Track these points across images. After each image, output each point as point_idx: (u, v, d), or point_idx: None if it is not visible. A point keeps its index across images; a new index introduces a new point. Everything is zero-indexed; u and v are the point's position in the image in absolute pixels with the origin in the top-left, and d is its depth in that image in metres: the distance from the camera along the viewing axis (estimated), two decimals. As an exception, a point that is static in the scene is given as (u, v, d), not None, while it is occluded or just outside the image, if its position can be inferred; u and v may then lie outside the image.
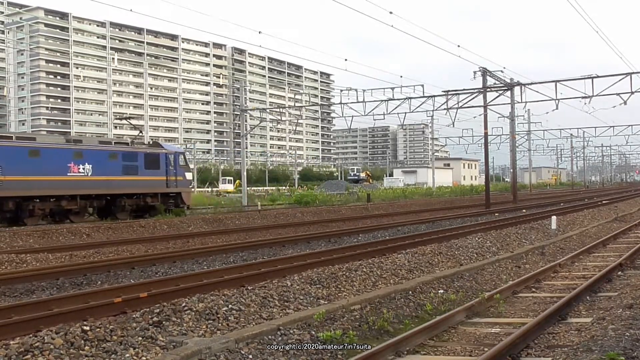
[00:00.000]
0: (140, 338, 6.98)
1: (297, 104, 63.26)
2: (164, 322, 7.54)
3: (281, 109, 65.96)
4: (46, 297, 10.61)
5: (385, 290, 10.33)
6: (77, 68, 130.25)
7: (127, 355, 6.56)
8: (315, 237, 20.61)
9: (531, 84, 38.80)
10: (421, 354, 7.28)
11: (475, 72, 37.47)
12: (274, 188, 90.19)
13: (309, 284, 10.18)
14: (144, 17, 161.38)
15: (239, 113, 48.94)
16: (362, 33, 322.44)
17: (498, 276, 12.74)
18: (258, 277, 11.42)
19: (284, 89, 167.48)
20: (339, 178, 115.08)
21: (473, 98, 39.13)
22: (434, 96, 40.91)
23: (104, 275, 13.31)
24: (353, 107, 42.11)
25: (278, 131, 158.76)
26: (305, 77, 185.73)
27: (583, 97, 36.61)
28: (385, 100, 40.83)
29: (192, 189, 33.93)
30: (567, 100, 37.77)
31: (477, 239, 16.99)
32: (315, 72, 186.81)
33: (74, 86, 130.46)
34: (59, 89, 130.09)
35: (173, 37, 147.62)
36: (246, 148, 75.85)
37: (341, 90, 41.88)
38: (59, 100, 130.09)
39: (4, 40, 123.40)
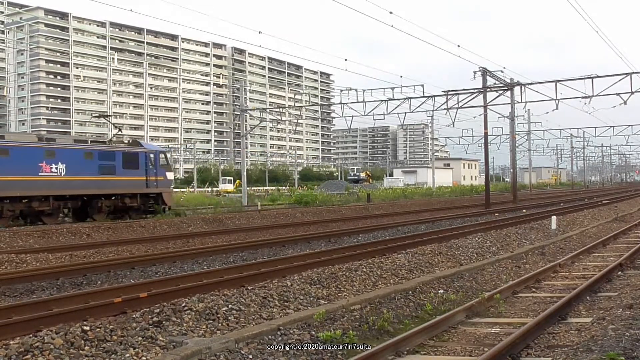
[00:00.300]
0: (140, 338, 6.98)
1: (297, 104, 63.24)
2: (164, 322, 7.54)
3: (281, 109, 66.00)
4: (46, 297, 10.61)
5: (385, 290, 10.33)
6: (77, 68, 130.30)
7: (127, 355, 6.56)
8: (315, 237, 20.60)
9: (531, 84, 38.81)
10: (421, 354, 7.28)
11: (475, 72, 37.49)
12: (274, 188, 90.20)
13: (309, 284, 10.18)
14: (144, 17, 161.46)
15: (239, 113, 48.91)
16: (362, 33, 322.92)
17: (498, 276, 12.73)
18: (258, 277, 11.42)
19: (284, 89, 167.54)
20: (339, 178, 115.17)
21: (473, 98, 39.14)
22: (434, 96, 40.92)
23: (104, 275, 13.31)
24: (353, 107, 42.16)
25: (278, 131, 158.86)
26: (305, 77, 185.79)
27: (583, 97, 36.61)
28: (385, 100, 40.84)
29: (174, 189, 32.63)
30: (567, 100, 37.80)
31: (477, 239, 16.98)
32: (315, 72, 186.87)
33: (74, 86, 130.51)
34: (59, 89, 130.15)
35: (173, 37, 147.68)
36: (246, 148, 75.81)
37: (341, 90, 41.93)
38: (59, 100, 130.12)
39: (4, 40, 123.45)
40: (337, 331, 7.61)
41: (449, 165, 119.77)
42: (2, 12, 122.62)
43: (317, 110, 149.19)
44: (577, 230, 21.70)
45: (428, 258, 13.60)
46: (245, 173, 48.06)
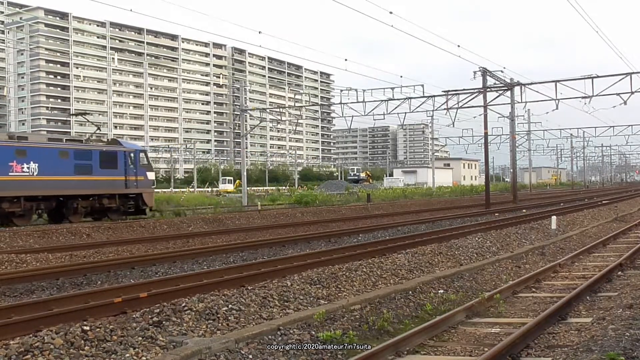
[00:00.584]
0: (140, 338, 6.98)
1: (297, 104, 63.30)
2: (164, 322, 7.54)
3: (281, 109, 66.02)
4: (46, 297, 10.61)
5: (385, 290, 10.33)
6: (77, 68, 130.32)
7: (127, 355, 6.56)
8: (315, 237, 20.59)
9: (531, 84, 38.83)
10: (421, 354, 7.28)
11: (475, 72, 37.49)
12: (274, 188, 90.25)
13: (309, 284, 10.18)
14: (144, 17, 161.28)
15: (239, 113, 48.92)
16: (362, 33, 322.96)
17: (498, 276, 12.73)
18: (258, 277, 11.41)
19: (284, 89, 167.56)
20: (339, 178, 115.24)
21: (473, 98, 39.15)
22: (434, 96, 40.94)
23: (104, 275, 13.31)
24: (353, 107, 42.18)
25: (278, 131, 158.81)
26: (305, 77, 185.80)
27: (583, 97, 36.62)
28: (385, 100, 40.85)
29: (155, 189, 31.07)
30: (567, 100, 37.82)
31: (477, 239, 16.98)
32: (315, 72, 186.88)
33: (74, 86, 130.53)
34: (59, 89, 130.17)
35: (173, 37, 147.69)
36: (246, 148, 75.84)
37: (341, 90, 41.96)
38: (59, 100, 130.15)
39: (4, 40, 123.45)
40: (337, 331, 7.62)
41: (449, 165, 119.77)
42: (2, 12, 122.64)
43: (317, 110, 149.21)
44: (577, 230, 21.70)
45: (428, 258, 13.60)
46: (245, 173, 48.07)
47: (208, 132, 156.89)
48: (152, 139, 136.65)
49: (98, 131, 31.27)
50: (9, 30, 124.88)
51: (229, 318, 8.10)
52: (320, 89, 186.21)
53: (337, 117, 53.42)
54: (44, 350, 6.35)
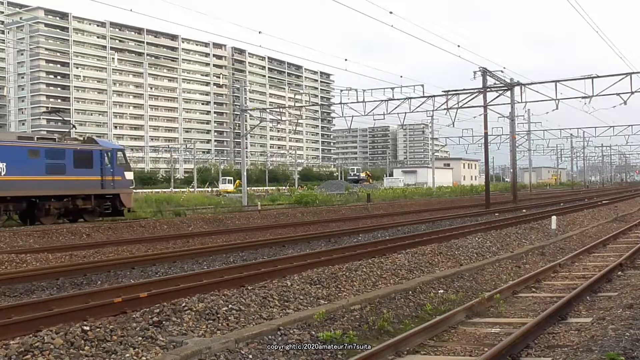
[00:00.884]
0: (140, 338, 6.98)
1: (297, 104, 63.30)
2: (164, 322, 7.54)
3: (281, 109, 66.03)
4: (46, 297, 10.61)
5: (385, 290, 10.33)
6: (77, 68, 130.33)
7: (127, 355, 6.56)
8: (315, 237, 20.60)
9: (531, 84, 38.82)
10: (421, 354, 7.27)
11: (475, 72, 37.52)
12: (274, 188, 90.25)
13: (309, 284, 10.18)
14: (144, 17, 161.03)
15: (239, 113, 48.93)
16: (362, 33, 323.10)
17: (498, 276, 12.73)
18: (258, 277, 11.41)
19: (284, 89, 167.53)
20: (339, 178, 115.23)
21: (473, 98, 39.16)
22: (434, 96, 40.93)
23: (104, 275, 13.31)
24: (353, 107, 42.17)
25: (278, 131, 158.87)
26: (305, 77, 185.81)
27: (583, 97, 36.62)
28: (385, 100, 40.85)
29: (133, 190, 30.17)
30: (567, 100, 37.81)
31: (477, 239, 16.99)
32: (315, 72, 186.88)
33: (74, 86, 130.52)
34: (59, 89, 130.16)
35: (173, 37, 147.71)
36: (246, 148, 75.78)
37: (341, 90, 41.97)
38: (59, 101, 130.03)
39: (4, 40, 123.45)
40: (337, 331, 7.61)
41: (449, 165, 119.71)
42: (2, 12, 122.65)
43: (317, 110, 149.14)
44: (577, 230, 21.70)
45: (428, 258, 13.60)
46: (245, 173, 48.07)
47: (208, 132, 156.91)
48: (152, 139, 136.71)
49: (74, 129, 30.25)
50: (9, 30, 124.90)
51: (229, 318, 8.10)
52: (320, 89, 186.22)
53: (337, 117, 53.47)
54: (44, 350, 6.35)
